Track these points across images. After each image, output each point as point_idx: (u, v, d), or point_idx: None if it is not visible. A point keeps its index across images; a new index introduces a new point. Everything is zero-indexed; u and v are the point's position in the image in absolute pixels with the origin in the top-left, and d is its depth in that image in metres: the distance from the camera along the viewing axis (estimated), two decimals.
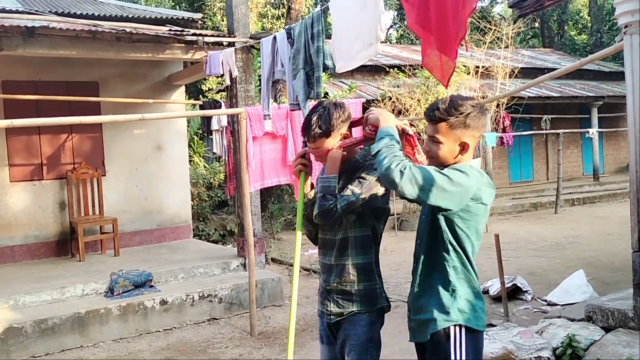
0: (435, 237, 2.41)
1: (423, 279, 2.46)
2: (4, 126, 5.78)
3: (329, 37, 4.39)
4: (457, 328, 2.37)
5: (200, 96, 15.68)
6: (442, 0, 2.76)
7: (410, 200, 2.44)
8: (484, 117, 2.38)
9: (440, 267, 2.41)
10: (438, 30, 2.82)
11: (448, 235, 2.37)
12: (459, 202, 2.29)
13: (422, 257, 2.47)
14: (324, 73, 4.17)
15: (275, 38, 4.79)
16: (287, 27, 4.62)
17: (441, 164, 2.39)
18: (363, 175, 2.58)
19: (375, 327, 2.69)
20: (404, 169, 2.17)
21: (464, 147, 2.35)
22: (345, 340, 2.70)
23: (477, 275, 2.46)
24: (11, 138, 7.78)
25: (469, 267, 2.41)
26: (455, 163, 2.38)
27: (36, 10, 6.84)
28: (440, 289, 2.40)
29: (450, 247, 2.38)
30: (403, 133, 2.47)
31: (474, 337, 2.41)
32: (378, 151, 2.27)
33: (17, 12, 6.52)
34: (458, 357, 2.36)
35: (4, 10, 6.41)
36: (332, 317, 2.73)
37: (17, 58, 7.22)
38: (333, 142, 2.61)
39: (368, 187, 2.56)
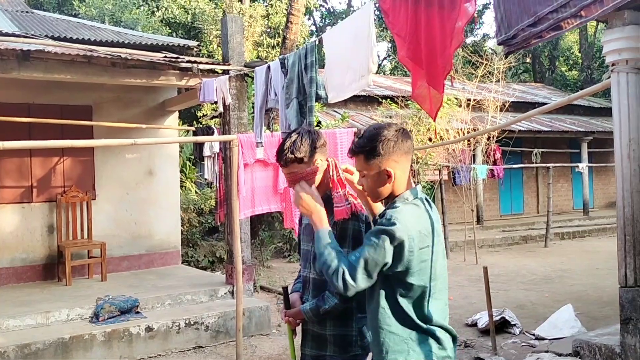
0: (387, 291, 2.32)
1: (377, 332, 2.33)
2: None
3: (322, 67, 4.45)
4: None
5: (195, 122, 15.73)
6: (432, 36, 2.81)
7: None
8: (404, 141, 2.29)
9: (393, 319, 2.29)
10: (428, 64, 2.88)
11: (396, 291, 2.27)
12: (392, 259, 2.21)
13: (376, 309, 2.34)
14: (316, 102, 4.22)
15: (269, 67, 4.85)
16: (281, 57, 4.68)
17: (377, 197, 2.37)
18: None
19: None
20: (344, 275, 2.19)
21: (388, 175, 2.27)
22: None
23: (443, 326, 2.31)
24: (1, 160, 7.76)
25: (425, 319, 2.27)
26: (391, 192, 2.32)
27: (32, 34, 6.89)
28: (396, 342, 2.28)
29: (402, 301, 2.28)
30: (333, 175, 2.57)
31: None
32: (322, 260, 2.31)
33: (13, 35, 6.56)
34: None
35: (0, 33, 6.46)
36: (308, 356, 2.72)
37: (11, 80, 7.24)
38: (305, 168, 2.57)
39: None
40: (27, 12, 9.22)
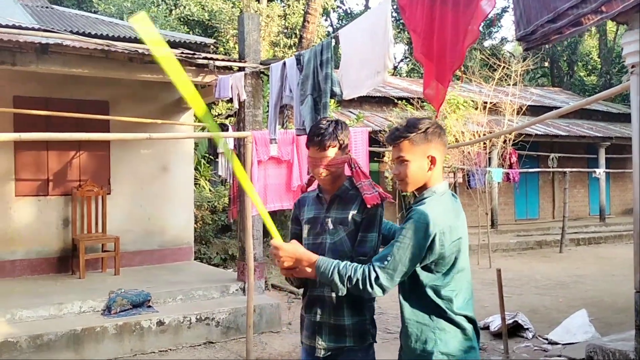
0: (414, 282, 2.36)
1: (406, 324, 2.39)
2: (12, 139, 5.83)
3: (337, 67, 4.44)
4: None
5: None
6: (444, 31, 2.80)
7: None
8: (443, 135, 2.39)
9: (421, 310, 2.35)
10: (437, 59, 2.87)
11: (423, 281, 2.33)
12: (425, 253, 2.26)
13: (403, 302, 2.41)
14: (331, 100, 4.21)
15: (284, 64, 4.85)
16: (297, 53, 4.68)
17: (415, 184, 2.38)
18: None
19: (369, 358, 2.68)
20: (378, 280, 2.22)
21: (432, 161, 2.33)
22: None
23: (468, 316, 2.37)
24: (19, 153, 7.85)
25: (452, 308, 2.32)
26: (426, 182, 2.36)
27: (51, 28, 6.95)
28: (423, 332, 2.34)
29: (430, 292, 2.33)
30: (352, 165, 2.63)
31: None
32: (333, 280, 2.30)
33: (32, 29, 6.62)
34: None
35: (19, 27, 6.52)
36: (323, 351, 2.67)
37: (29, 74, 7.33)
38: (341, 155, 2.63)
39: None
40: (46, 7, 9.31)
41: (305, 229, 2.75)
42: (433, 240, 2.22)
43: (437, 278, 2.30)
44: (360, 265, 2.30)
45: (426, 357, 2.32)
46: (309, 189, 2.92)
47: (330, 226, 2.65)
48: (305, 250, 2.42)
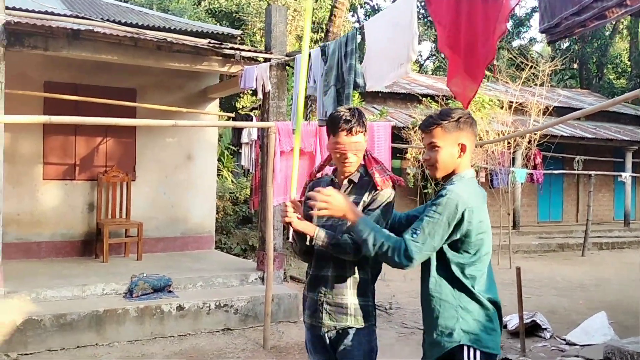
0: (440, 259, 2.44)
1: (429, 300, 2.47)
2: (43, 121, 5.99)
3: (362, 57, 4.47)
4: (469, 350, 2.38)
5: (234, 113, 15.92)
6: (473, 24, 2.81)
7: None
8: (474, 125, 2.50)
9: (445, 287, 2.43)
10: (466, 53, 2.87)
11: (450, 259, 2.41)
12: (454, 229, 2.36)
13: (427, 278, 2.48)
14: (355, 94, 4.24)
15: (309, 55, 4.88)
16: (322, 44, 4.72)
17: (445, 170, 2.48)
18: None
19: (374, 337, 2.75)
20: (407, 252, 2.32)
21: (462, 149, 2.45)
22: (346, 352, 2.69)
23: (494, 298, 2.47)
24: (48, 137, 8.02)
25: (475, 287, 2.42)
26: (455, 169, 2.47)
27: (83, 15, 7.09)
28: (445, 310, 2.42)
29: (455, 269, 2.41)
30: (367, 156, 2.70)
31: (488, 358, 2.41)
32: (373, 244, 2.41)
33: (64, 15, 6.76)
34: None
35: (51, 13, 6.66)
36: (326, 329, 2.72)
37: (59, 61, 7.49)
38: (365, 140, 2.71)
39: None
40: None
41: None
42: (462, 216, 2.32)
43: (463, 257, 2.39)
44: (394, 235, 2.41)
45: (447, 334, 2.39)
46: (317, 176, 2.96)
47: None
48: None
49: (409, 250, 2.32)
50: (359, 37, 4.25)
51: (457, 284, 2.40)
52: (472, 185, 2.46)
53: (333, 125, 2.66)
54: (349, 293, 2.67)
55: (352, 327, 2.67)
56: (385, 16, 4.00)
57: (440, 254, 2.41)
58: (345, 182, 2.74)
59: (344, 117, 2.63)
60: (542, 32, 2.43)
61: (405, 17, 3.49)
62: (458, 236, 2.36)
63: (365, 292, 2.70)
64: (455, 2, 2.96)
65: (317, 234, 2.60)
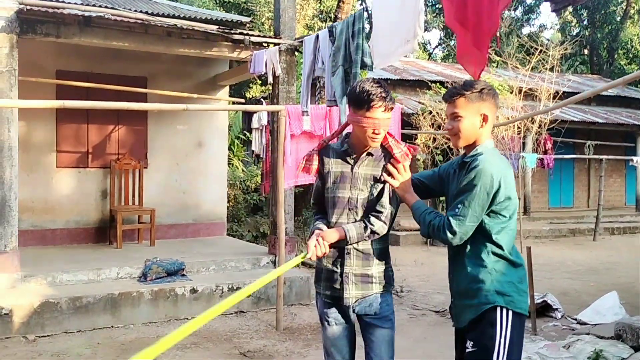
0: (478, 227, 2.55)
1: (462, 266, 2.58)
2: (56, 106, 6.07)
3: (369, 35, 4.50)
4: (502, 310, 2.48)
5: (244, 100, 15.99)
6: None
7: None
8: (497, 97, 2.59)
9: (479, 251, 2.54)
10: (474, 26, 2.93)
11: (486, 223, 2.52)
12: (491, 198, 2.48)
13: (459, 245, 2.57)
14: (362, 70, 4.27)
15: (317, 37, 4.93)
16: (329, 25, 4.76)
17: (466, 139, 2.56)
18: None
19: (392, 298, 2.92)
20: (451, 228, 2.47)
21: (484, 119, 2.53)
22: (376, 316, 2.81)
23: (520, 261, 2.60)
24: (61, 125, 8.12)
25: (507, 249, 2.53)
26: (477, 139, 2.56)
27: (94, 4, 7.15)
28: (480, 273, 2.52)
29: (490, 233, 2.52)
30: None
31: (519, 320, 2.52)
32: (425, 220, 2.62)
33: (75, 4, 6.83)
34: (504, 340, 2.47)
35: (63, 1, 6.73)
36: (353, 299, 2.79)
37: (72, 49, 7.57)
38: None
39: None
40: None
41: (330, 181, 2.83)
42: (499, 184, 2.44)
43: (500, 221, 2.50)
44: (439, 215, 2.59)
45: (482, 297, 2.50)
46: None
47: (360, 182, 2.75)
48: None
49: (452, 225, 2.45)
50: (365, 16, 4.27)
51: (492, 247, 2.50)
52: (498, 154, 2.57)
53: (366, 101, 2.62)
54: (373, 263, 2.78)
55: (377, 294, 2.80)
56: None
57: (481, 224, 2.51)
58: (364, 154, 2.79)
59: (380, 94, 2.62)
60: (545, 0, 2.47)
61: None
62: (499, 201, 2.46)
63: (386, 259, 2.84)
64: None
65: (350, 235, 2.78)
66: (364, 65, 4.15)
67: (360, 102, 2.64)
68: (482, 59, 2.96)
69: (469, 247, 2.54)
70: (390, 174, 2.71)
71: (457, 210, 2.46)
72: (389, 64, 3.96)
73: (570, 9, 26.48)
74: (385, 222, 2.74)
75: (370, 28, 4.25)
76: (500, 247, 2.50)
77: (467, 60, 3.05)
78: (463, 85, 2.54)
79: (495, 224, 2.50)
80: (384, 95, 2.62)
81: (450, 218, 2.47)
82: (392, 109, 2.68)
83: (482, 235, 2.51)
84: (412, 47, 3.53)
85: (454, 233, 2.45)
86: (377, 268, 2.79)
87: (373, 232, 2.73)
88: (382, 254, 2.83)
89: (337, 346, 2.90)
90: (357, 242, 2.74)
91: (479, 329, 2.51)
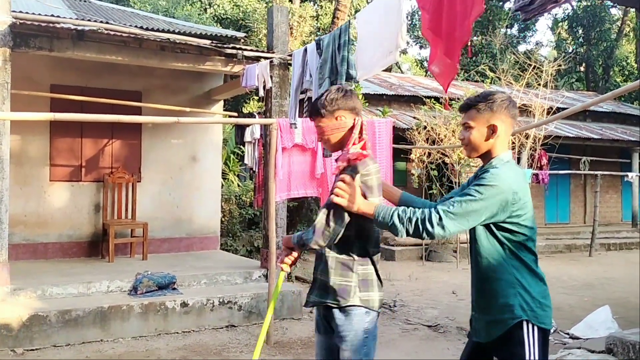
0: (491, 242, 2.55)
1: (486, 280, 2.57)
2: (46, 119, 6.09)
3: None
4: (528, 326, 2.47)
5: (238, 113, 16.02)
6: (452, 6, 2.90)
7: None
8: (513, 107, 2.57)
9: (503, 266, 2.52)
10: (446, 35, 2.97)
11: (508, 238, 2.52)
12: (497, 211, 2.43)
13: (481, 260, 2.57)
14: (347, 82, 4.28)
15: (306, 50, 4.97)
16: (317, 38, 4.80)
17: (476, 150, 2.60)
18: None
19: (363, 318, 2.69)
20: (441, 221, 2.36)
21: (493, 130, 2.54)
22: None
23: (542, 275, 2.58)
24: (55, 139, 8.14)
25: (532, 264, 2.53)
26: (490, 150, 2.57)
27: (88, 19, 7.22)
28: (505, 289, 2.51)
29: (514, 247, 2.51)
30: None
31: (544, 335, 2.51)
32: (393, 223, 2.45)
33: (70, 18, 6.89)
34: (533, 356, 2.46)
35: (58, 17, 6.79)
36: (310, 303, 2.81)
37: (66, 63, 7.61)
38: (328, 123, 2.68)
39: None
40: (84, 1, 9.64)
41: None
42: (506, 197, 2.42)
43: (522, 235, 2.50)
44: (419, 209, 2.46)
45: (508, 312, 2.48)
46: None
47: None
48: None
49: (442, 219, 2.36)
50: (352, 29, 4.32)
51: (517, 262, 2.50)
52: (514, 167, 2.55)
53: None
54: (332, 274, 2.69)
55: (333, 307, 2.68)
56: (375, 6, 4.08)
57: (495, 234, 2.51)
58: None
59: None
60: (516, 10, 2.53)
61: (393, 5, 3.56)
62: (507, 216, 2.45)
63: (348, 273, 2.68)
64: None
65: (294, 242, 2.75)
66: (349, 77, 4.18)
67: None
68: (452, 68, 3.00)
69: (493, 262, 2.53)
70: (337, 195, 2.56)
71: (451, 207, 2.39)
72: (372, 75, 4.00)
73: (565, 25, 26.72)
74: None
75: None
76: (524, 262, 2.50)
77: (438, 69, 3.09)
78: (477, 96, 2.60)
79: (519, 237, 2.50)
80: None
81: (442, 212, 2.38)
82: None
83: (506, 250, 2.51)
84: (394, 58, 3.57)
85: (443, 227, 2.36)
86: (334, 279, 2.70)
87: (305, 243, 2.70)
88: (343, 266, 2.73)
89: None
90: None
91: (508, 349, 2.51)
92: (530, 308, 2.47)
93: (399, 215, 2.43)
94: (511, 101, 2.57)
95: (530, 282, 2.50)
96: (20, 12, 6.65)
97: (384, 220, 2.46)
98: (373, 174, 2.65)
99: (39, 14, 6.73)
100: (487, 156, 2.60)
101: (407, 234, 2.43)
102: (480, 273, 2.59)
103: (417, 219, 2.39)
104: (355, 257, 2.68)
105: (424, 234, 2.40)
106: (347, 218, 2.57)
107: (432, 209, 2.40)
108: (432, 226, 2.36)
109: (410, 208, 2.46)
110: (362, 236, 2.69)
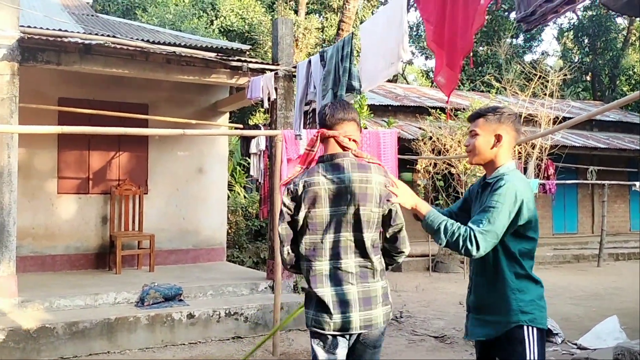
0: (500, 246, 2.63)
1: (485, 283, 2.70)
2: (54, 132, 6.16)
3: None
4: (527, 328, 2.60)
5: (243, 125, 16.06)
6: (455, 17, 2.95)
7: None
8: (518, 123, 2.74)
9: (504, 271, 2.65)
10: (448, 46, 3.02)
11: (513, 244, 2.63)
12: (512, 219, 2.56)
13: (484, 265, 2.69)
14: (349, 93, 4.32)
15: (310, 61, 5.01)
16: (321, 50, 4.85)
17: (479, 156, 2.72)
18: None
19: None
20: (477, 242, 2.49)
21: (498, 139, 2.68)
22: None
23: (539, 279, 2.72)
24: (62, 152, 8.21)
25: (530, 269, 2.66)
26: (493, 159, 2.69)
27: (95, 33, 7.30)
28: (504, 292, 2.64)
29: (511, 255, 2.63)
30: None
31: (541, 334, 2.65)
32: (443, 233, 2.57)
33: (77, 32, 6.97)
34: (534, 357, 2.59)
35: (65, 30, 6.88)
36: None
37: (73, 77, 7.70)
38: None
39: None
40: (92, 15, 9.75)
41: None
42: (521, 205, 2.55)
43: (527, 242, 2.64)
44: (462, 225, 2.57)
45: (508, 315, 2.62)
46: None
47: None
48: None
49: (477, 238, 2.49)
50: (356, 41, 4.36)
51: (516, 267, 2.62)
52: (521, 176, 2.70)
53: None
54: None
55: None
56: (378, 17, 4.12)
57: (506, 248, 2.62)
58: None
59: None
60: (519, 21, 2.58)
61: (396, 17, 3.60)
62: (521, 223, 2.57)
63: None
64: (442, 0, 3.09)
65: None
66: (351, 89, 4.21)
67: None
68: (454, 78, 3.07)
69: (493, 265, 2.66)
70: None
71: (481, 225, 2.52)
72: (375, 86, 4.05)
73: (571, 35, 26.73)
74: None
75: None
76: (523, 267, 2.63)
77: (443, 79, 3.14)
78: (487, 107, 2.78)
79: (519, 245, 2.63)
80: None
81: (476, 232, 2.51)
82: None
83: (506, 255, 2.63)
84: (395, 69, 3.61)
85: (478, 247, 2.50)
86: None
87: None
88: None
89: None
90: None
91: (509, 348, 2.64)
92: (529, 311, 2.61)
93: (446, 226, 2.55)
94: (517, 117, 2.73)
95: (528, 286, 2.64)
96: (29, 26, 6.72)
97: (432, 224, 2.59)
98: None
99: (47, 29, 6.81)
100: (490, 165, 2.74)
101: (446, 245, 2.57)
102: (480, 275, 2.74)
103: (460, 236, 2.52)
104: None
105: (462, 251, 2.53)
106: None
107: (469, 229, 2.53)
108: (471, 244, 2.50)
109: (457, 223, 2.58)
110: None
